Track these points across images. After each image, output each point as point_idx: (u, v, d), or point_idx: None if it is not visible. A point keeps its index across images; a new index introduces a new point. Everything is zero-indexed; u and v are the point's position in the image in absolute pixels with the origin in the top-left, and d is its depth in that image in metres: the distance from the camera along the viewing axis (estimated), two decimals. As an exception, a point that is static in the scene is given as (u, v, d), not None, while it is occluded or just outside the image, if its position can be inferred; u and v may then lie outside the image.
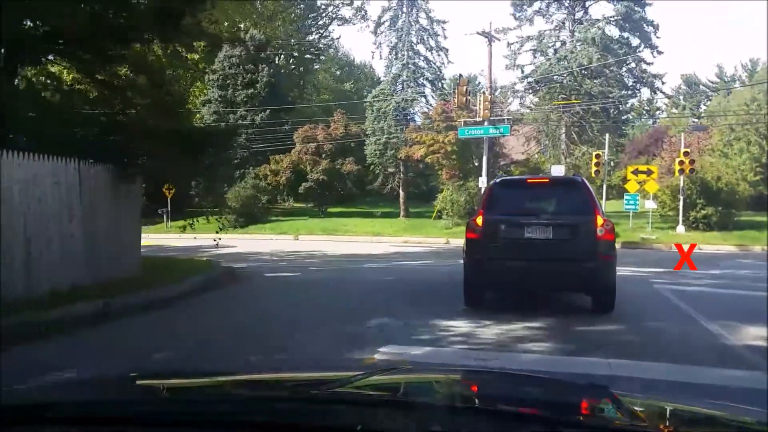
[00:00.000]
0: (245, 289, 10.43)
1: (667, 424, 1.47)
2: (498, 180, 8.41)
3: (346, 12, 48.37)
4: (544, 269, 7.17)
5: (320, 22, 51.42)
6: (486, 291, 7.90)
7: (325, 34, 51.80)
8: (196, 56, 11.41)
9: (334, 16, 50.42)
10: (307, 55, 52.60)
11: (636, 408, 1.56)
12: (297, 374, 2.21)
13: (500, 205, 7.64)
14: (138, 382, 1.84)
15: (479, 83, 34.53)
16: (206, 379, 1.98)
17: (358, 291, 9.79)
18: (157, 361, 5.16)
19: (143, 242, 15.44)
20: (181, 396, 1.67)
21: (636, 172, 25.05)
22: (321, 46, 52.14)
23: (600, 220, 7.16)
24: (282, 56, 51.04)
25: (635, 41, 31.53)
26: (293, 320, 7.14)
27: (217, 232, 12.65)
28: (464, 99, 22.82)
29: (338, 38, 69.04)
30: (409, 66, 32.63)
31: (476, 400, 1.63)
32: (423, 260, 16.14)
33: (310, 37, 51.20)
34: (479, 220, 7.45)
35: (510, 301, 8.33)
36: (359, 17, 47.46)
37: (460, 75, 23.04)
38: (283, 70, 48.66)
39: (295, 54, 51.47)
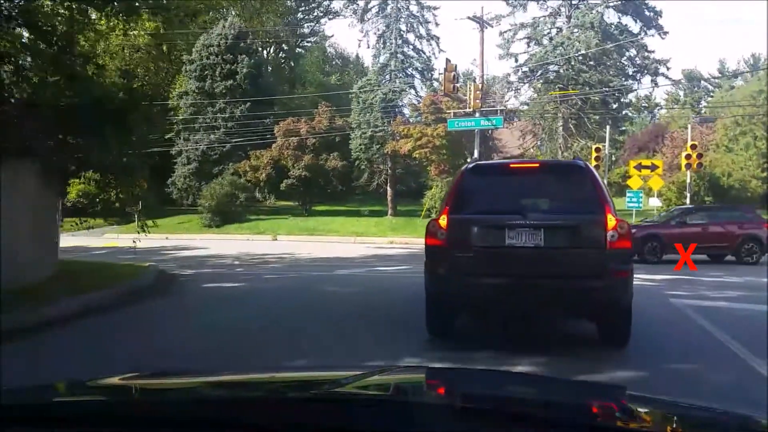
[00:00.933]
0: (159, 307, 8.42)
1: (673, 426, 1.43)
2: (470, 165, 6.05)
3: (337, 4, 46.44)
4: (532, 289, 5.22)
5: (311, 16, 49.57)
6: (455, 316, 5.93)
7: (316, 28, 49.96)
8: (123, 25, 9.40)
9: (325, 10, 48.55)
10: (298, 49, 50.82)
11: (642, 409, 1.55)
12: (297, 374, 2.20)
13: (472, 200, 5.68)
14: (137, 383, 1.79)
15: (473, 74, 32.56)
16: (206, 379, 1.94)
17: (299, 310, 7.81)
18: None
19: (107, 243, 13.73)
20: (180, 396, 1.65)
21: (639, 167, 23.15)
22: (311, 40, 50.31)
23: (612, 221, 5.15)
24: (271, 50, 49.29)
25: (636, 28, 29.61)
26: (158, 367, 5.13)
27: (139, 232, 10.70)
28: (451, 86, 20.88)
29: (332, 36, 67.06)
30: (398, 55, 30.64)
31: (477, 401, 1.57)
32: (402, 265, 14.24)
33: (301, 31, 49.34)
34: (443, 221, 5.44)
35: (488, 328, 6.41)
36: (350, 11, 45.49)
37: (448, 59, 21.13)
38: (271, 66, 46.82)
39: (285, 47, 49.68)
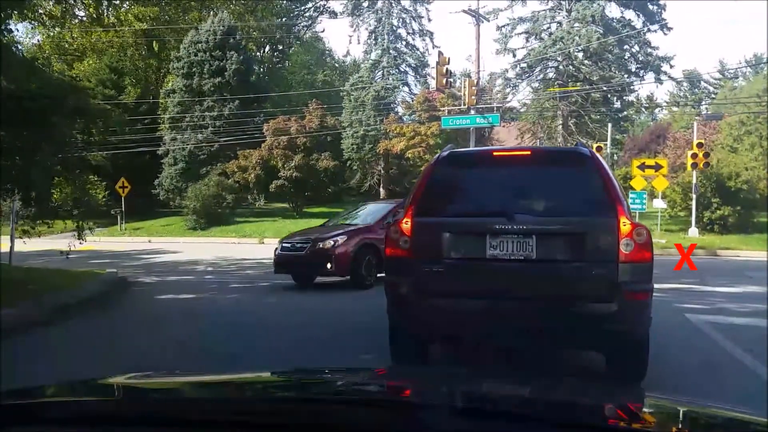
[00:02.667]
0: (82, 326, 7.19)
1: (675, 426, 1.45)
2: (445, 153, 4.74)
3: (333, 5, 45.46)
4: (521, 315, 4.06)
5: (307, 14, 48.57)
6: (426, 343, 4.72)
7: (311, 25, 48.95)
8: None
9: (320, 9, 47.55)
10: (293, 49, 49.89)
11: (643, 409, 1.55)
12: (297, 373, 2.20)
13: (445, 198, 4.53)
14: (137, 383, 1.78)
15: (468, 72, 31.39)
16: (205, 378, 1.95)
17: (242, 333, 6.56)
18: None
19: (84, 246, 12.84)
20: (179, 396, 1.64)
21: (643, 167, 22.02)
22: (305, 38, 49.32)
23: (627, 225, 3.97)
24: (266, 50, 48.38)
25: (639, 23, 28.38)
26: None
27: (78, 237, 9.59)
28: (444, 80, 19.75)
29: (323, 31, 66.01)
30: (390, 51, 29.47)
31: (477, 400, 1.56)
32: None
33: (295, 30, 48.33)
34: (406, 225, 4.29)
35: (467, 355, 5.18)
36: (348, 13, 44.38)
37: (440, 52, 20.00)
38: (266, 66, 45.83)
39: (280, 47, 48.72)
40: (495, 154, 5.05)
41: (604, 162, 4.55)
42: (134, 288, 10.26)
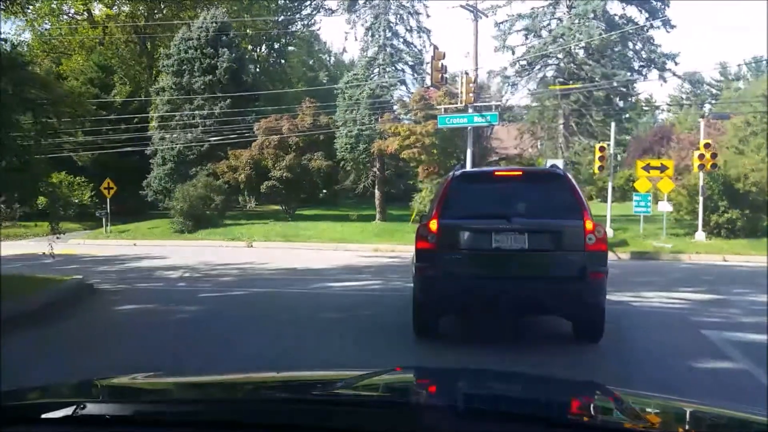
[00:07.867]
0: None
1: (678, 426, 1.43)
2: (458, 172, 6.43)
3: (329, 3, 44.57)
4: (517, 289, 5.62)
5: (304, 12, 47.81)
6: (441, 316, 6.25)
7: (309, 23, 48.16)
8: None
9: (318, 6, 46.76)
10: (291, 47, 49.17)
11: (646, 409, 1.53)
12: (298, 374, 2.19)
13: (461, 206, 6.01)
14: (137, 383, 1.78)
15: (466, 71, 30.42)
16: (206, 379, 1.96)
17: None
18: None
19: (64, 250, 12.15)
20: (181, 396, 1.64)
21: (647, 168, 21.11)
22: (300, 35, 48.56)
23: (590, 224, 5.58)
24: (263, 49, 47.70)
25: (641, 19, 27.36)
26: None
27: (57, 236, 8.77)
28: (440, 75, 18.84)
29: (318, 29, 65.22)
30: (387, 48, 28.56)
31: (476, 401, 1.58)
32: (374, 279, 12.18)
33: (294, 28, 47.57)
34: (433, 225, 5.75)
35: (469, 328, 6.56)
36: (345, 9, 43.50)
37: (435, 47, 19.08)
38: (261, 66, 45.08)
39: (276, 46, 48.00)
40: (495, 173, 6.87)
41: (572, 179, 6.21)
42: (97, 296, 9.35)
